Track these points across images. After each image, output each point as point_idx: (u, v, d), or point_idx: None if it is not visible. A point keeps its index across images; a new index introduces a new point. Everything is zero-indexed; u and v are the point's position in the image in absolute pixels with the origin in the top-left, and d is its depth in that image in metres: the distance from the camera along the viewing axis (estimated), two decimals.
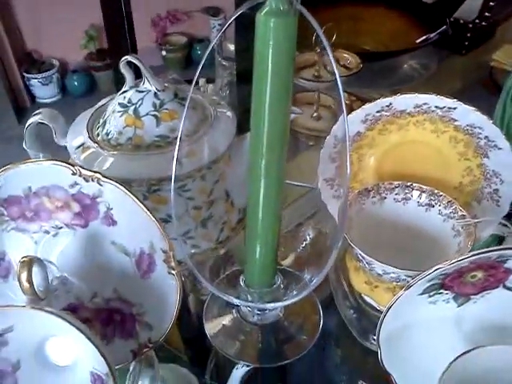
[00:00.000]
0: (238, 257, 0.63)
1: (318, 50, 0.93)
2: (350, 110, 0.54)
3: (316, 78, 0.93)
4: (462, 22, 1.20)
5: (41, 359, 0.49)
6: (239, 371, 0.53)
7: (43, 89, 2.25)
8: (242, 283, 0.55)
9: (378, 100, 0.52)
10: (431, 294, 0.43)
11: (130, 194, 0.45)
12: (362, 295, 0.58)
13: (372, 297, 0.54)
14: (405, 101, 0.52)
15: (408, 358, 0.45)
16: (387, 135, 0.57)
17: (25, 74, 2.22)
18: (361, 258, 0.51)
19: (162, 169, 0.54)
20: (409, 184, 0.55)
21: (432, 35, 1.15)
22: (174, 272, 0.48)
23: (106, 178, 0.46)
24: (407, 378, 0.45)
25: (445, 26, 1.10)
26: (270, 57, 0.38)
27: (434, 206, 0.54)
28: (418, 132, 0.56)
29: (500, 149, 0.52)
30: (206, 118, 0.60)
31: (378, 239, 0.54)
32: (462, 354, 0.40)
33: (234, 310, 0.59)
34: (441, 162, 0.57)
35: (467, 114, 0.51)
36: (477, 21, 1.19)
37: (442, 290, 0.42)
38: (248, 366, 0.53)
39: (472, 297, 0.43)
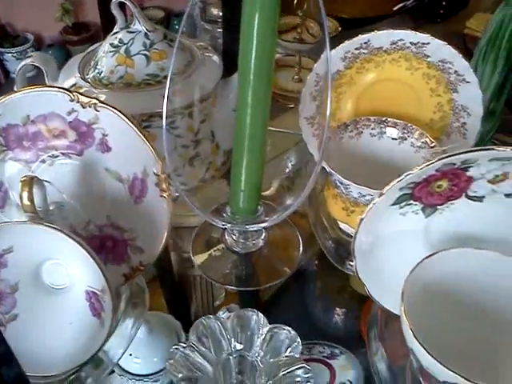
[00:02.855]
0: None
1: (300, 13, 0.95)
2: None
3: (297, 41, 0.95)
4: None
5: (38, 281, 0.51)
6: None
7: (18, 63, 2.22)
8: (227, 212, 0.58)
9: (357, 37, 0.56)
10: (402, 205, 0.46)
11: (124, 117, 0.48)
12: (341, 226, 0.61)
13: (348, 223, 0.57)
14: (382, 37, 0.55)
15: (380, 269, 0.49)
16: (364, 73, 0.60)
17: None
18: (339, 183, 0.54)
19: (152, 105, 0.57)
20: (383, 119, 0.59)
21: (408, 3, 1.19)
22: (165, 195, 0.51)
23: (103, 103, 0.48)
24: (380, 288, 0.49)
25: None
26: None
27: (406, 139, 0.58)
28: (393, 70, 0.59)
29: (468, 82, 0.56)
30: (193, 59, 0.63)
31: (355, 171, 0.58)
32: (425, 258, 0.44)
33: (219, 241, 0.62)
34: (414, 99, 0.60)
35: (439, 48, 0.55)
36: None
37: (411, 201, 0.46)
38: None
39: (438, 207, 0.47)
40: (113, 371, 0.56)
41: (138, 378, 0.54)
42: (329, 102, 0.47)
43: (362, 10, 1.25)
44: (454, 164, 0.42)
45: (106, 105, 0.48)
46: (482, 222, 0.47)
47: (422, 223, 0.48)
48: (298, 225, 0.64)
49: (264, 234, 0.61)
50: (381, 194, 0.43)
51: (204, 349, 0.46)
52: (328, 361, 0.59)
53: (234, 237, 0.61)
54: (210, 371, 0.45)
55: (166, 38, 0.61)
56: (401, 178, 0.42)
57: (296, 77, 0.97)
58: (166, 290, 0.76)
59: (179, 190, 0.55)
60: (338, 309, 0.73)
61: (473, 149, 0.40)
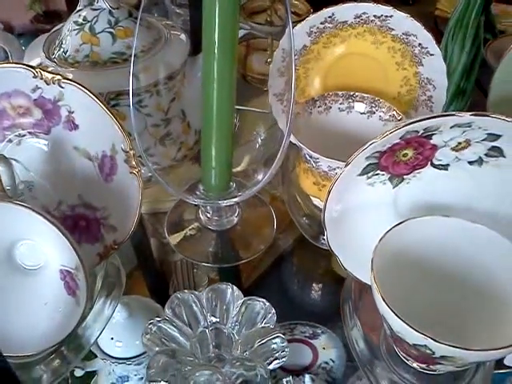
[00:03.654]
0: None
1: None
2: None
3: (269, 24, 0.95)
4: None
5: (11, 262, 0.51)
6: None
7: None
8: (200, 189, 0.58)
9: (321, 11, 0.56)
10: (369, 175, 0.47)
11: (89, 92, 0.47)
12: (314, 202, 0.62)
13: (320, 197, 0.58)
14: (346, 11, 0.56)
15: (352, 240, 0.50)
16: (331, 48, 0.61)
17: None
18: (308, 157, 0.55)
19: (119, 83, 0.57)
20: (351, 94, 0.60)
21: None
22: (135, 171, 0.51)
23: (67, 79, 0.48)
24: (352, 260, 0.50)
25: None
26: None
27: (374, 113, 0.59)
28: (359, 44, 0.60)
29: (432, 55, 0.57)
30: (160, 37, 0.62)
31: (324, 146, 0.58)
32: (394, 226, 0.45)
33: (193, 220, 0.63)
34: (381, 74, 0.61)
35: (402, 21, 0.56)
36: None
37: (378, 171, 0.47)
38: None
39: (405, 177, 0.48)
40: (95, 356, 0.56)
41: (120, 361, 0.54)
42: (293, 78, 0.47)
43: None
44: (417, 132, 0.43)
45: (71, 81, 0.48)
46: (449, 190, 0.49)
47: (390, 193, 0.49)
48: (277, 205, 0.66)
49: (238, 211, 0.62)
50: (347, 164, 0.44)
51: (180, 323, 0.46)
52: (310, 340, 0.59)
53: (208, 215, 0.62)
54: (187, 344, 0.46)
55: (131, 16, 0.61)
56: (365, 146, 0.43)
57: (269, 59, 0.96)
58: (148, 276, 0.76)
59: (151, 169, 0.55)
60: (318, 288, 0.74)
61: (434, 115, 0.41)
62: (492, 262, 0.45)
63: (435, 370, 0.46)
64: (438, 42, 0.59)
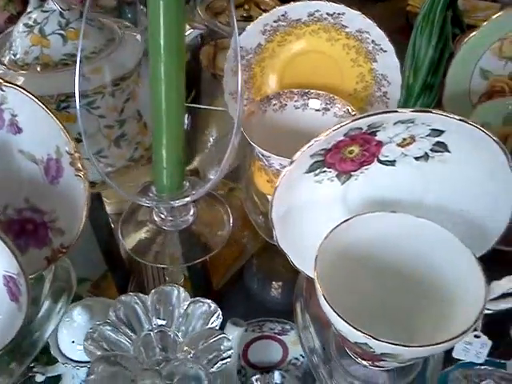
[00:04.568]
0: None
1: None
2: None
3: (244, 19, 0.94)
4: None
5: None
6: None
7: None
8: (153, 191, 0.57)
9: (274, 9, 0.55)
10: (316, 172, 0.46)
11: (31, 95, 0.46)
12: (269, 200, 0.61)
13: None
14: (298, 8, 0.55)
15: (301, 238, 0.49)
16: (286, 46, 0.60)
17: None
18: (261, 155, 0.54)
19: (69, 85, 0.56)
20: (306, 91, 0.59)
21: None
22: (80, 174, 0.50)
23: (8, 82, 0.47)
24: (302, 257, 0.50)
25: None
26: None
27: (329, 110, 0.58)
28: (314, 42, 0.59)
29: (385, 51, 0.57)
30: (113, 38, 0.61)
31: (280, 143, 0.57)
32: (339, 224, 0.45)
33: (148, 222, 0.62)
34: (336, 70, 0.61)
35: (355, 18, 0.55)
36: None
37: (325, 168, 0.46)
38: None
39: (353, 173, 0.48)
40: (57, 360, 0.55)
41: (82, 364, 0.53)
42: (239, 77, 0.47)
43: None
44: (361, 129, 0.42)
45: (13, 84, 0.47)
46: (397, 186, 0.48)
47: (338, 190, 0.49)
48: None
49: (193, 211, 0.61)
50: (291, 162, 0.43)
51: (123, 326, 0.45)
52: (279, 337, 0.59)
53: (162, 216, 0.61)
54: (130, 348, 0.45)
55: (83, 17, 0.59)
56: (309, 143, 0.42)
57: None
58: (117, 278, 0.75)
59: (101, 172, 0.54)
60: (286, 285, 0.73)
61: (375, 112, 0.40)
62: (438, 257, 0.45)
63: (383, 367, 0.45)
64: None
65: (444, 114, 0.39)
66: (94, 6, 0.61)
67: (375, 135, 0.43)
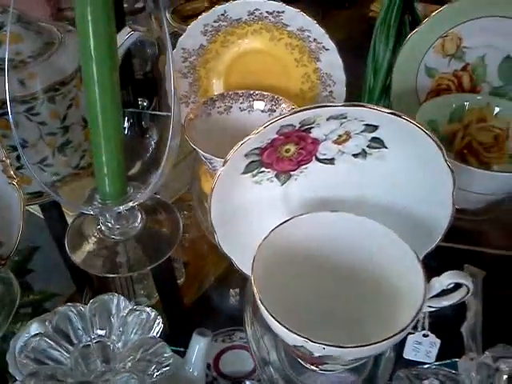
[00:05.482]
0: None
1: None
2: None
3: None
4: None
5: None
6: None
7: None
8: (97, 199, 0.56)
9: (213, 9, 0.55)
10: (254, 173, 0.46)
11: None
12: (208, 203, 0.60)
13: None
14: (238, 8, 0.55)
15: (244, 240, 0.48)
16: (229, 47, 0.59)
17: None
18: (204, 159, 0.53)
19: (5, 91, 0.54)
20: (251, 92, 0.58)
21: None
22: (14, 182, 0.48)
23: None
24: (246, 260, 0.48)
25: None
26: None
27: (275, 111, 0.58)
28: (257, 41, 0.59)
29: (327, 49, 0.56)
30: (52, 41, 0.60)
31: (226, 146, 0.57)
32: (278, 225, 0.44)
33: (96, 232, 0.60)
34: (281, 70, 0.60)
35: (295, 16, 0.54)
36: None
37: (263, 169, 0.46)
38: None
39: (292, 173, 0.47)
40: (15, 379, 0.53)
41: None
42: (172, 80, 0.46)
43: None
44: (294, 126, 0.41)
45: None
46: (338, 184, 0.48)
47: (279, 190, 0.48)
48: None
49: (140, 218, 0.60)
50: (225, 162, 0.42)
51: (60, 338, 0.44)
52: None
53: (109, 225, 0.59)
54: (67, 361, 0.43)
55: (20, 21, 0.58)
56: (241, 142, 0.41)
57: None
58: (86, 294, 0.73)
59: (39, 182, 0.53)
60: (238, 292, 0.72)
61: (306, 107, 0.39)
62: (378, 255, 0.44)
63: (334, 370, 0.45)
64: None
65: (374, 107, 0.39)
66: (61, 18, 0.59)
67: (310, 132, 0.43)
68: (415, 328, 0.46)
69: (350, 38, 1.20)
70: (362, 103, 0.39)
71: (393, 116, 0.40)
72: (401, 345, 0.47)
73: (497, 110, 0.58)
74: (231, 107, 0.59)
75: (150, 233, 0.60)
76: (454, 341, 0.51)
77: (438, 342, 0.46)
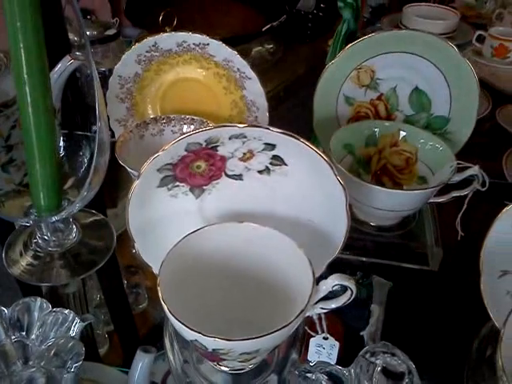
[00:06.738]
0: None
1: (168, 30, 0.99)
2: None
3: None
4: (302, 12, 1.32)
5: None
6: None
7: None
8: (33, 214, 0.60)
9: (145, 40, 0.60)
10: (169, 186, 0.50)
11: None
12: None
13: None
14: (166, 39, 0.60)
15: (163, 251, 0.52)
16: (162, 75, 0.65)
17: None
18: (133, 176, 0.57)
19: None
20: (183, 117, 0.63)
21: (274, 23, 1.26)
22: None
23: None
24: None
25: (285, 16, 1.20)
26: None
27: None
28: (187, 70, 0.64)
29: (250, 78, 0.62)
30: None
31: None
32: (186, 235, 0.48)
33: (32, 245, 0.64)
34: (211, 98, 0.65)
35: (219, 48, 0.60)
36: (315, 11, 1.32)
37: (177, 183, 0.50)
38: None
39: (205, 187, 0.51)
40: None
41: None
42: (97, 104, 0.50)
43: (232, 30, 1.31)
44: (201, 144, 0.46)
45: None
46: (248, 199, 0.52)
47: (194, 203, 0.52)
48: None
49: (75, 231, 0.64)
50: (139, 175, 0.46)
51: None
52: None
53: (46, 237, 0.63)
54: None
55: None
56: (152, 158, 0.45)
57: None
58: None
59: None
60: None
61: (208, 128, 0.44)
62: (279, 262, 0.48)
63: (242, 369, 0.48)
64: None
65: (268, 128, 0.44)
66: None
67: (217, 150, 0.47)
68: (316, 332, 0.50)
69: (307, 72, 1.28)
70: (257, 124, 0.44)
71: (285, 136, 0.44)
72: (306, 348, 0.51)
73: (405, 135, 0.64)
74: (164, 130, 0.64)
75: (85, 245, 0.64)
76: (356, 344, 0.55)
77: (337, 344, 0.50)
